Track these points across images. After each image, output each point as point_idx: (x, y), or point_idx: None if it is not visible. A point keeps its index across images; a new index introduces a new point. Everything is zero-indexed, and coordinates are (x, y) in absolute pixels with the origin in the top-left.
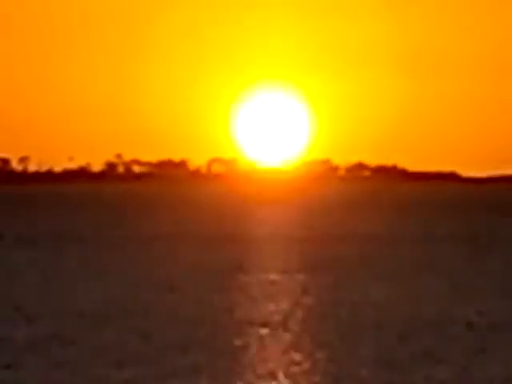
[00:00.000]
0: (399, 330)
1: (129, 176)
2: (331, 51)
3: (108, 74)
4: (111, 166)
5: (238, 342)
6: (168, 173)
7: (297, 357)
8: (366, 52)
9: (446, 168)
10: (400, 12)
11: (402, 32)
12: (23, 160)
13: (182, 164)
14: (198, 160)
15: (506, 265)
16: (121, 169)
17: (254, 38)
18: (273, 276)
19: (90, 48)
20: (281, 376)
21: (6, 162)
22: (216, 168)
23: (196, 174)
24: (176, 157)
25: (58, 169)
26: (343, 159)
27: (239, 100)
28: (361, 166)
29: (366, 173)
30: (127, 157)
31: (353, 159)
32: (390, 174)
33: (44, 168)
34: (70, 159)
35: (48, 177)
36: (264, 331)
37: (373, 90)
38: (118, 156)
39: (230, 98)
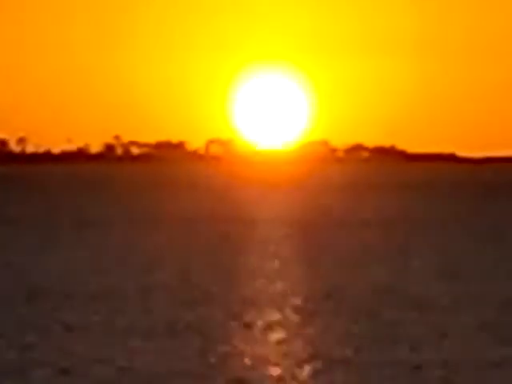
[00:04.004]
0: (389, 311)
1: (127, 157)
2: (331, 32)
3: (106, 56)
4: (109, 148)
5: (227, 327)
6: (166, 154)
7: (292, 339)
8: (366, 34)
9: (444, 149)
10: None
11: (403, 16)
12: (21, 141)
13: (180, 145)
14: (196, 141)
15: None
16: (119, 150)
17: (252, 18)
18: (269, 258)
19: (88, 30)
20: (276, 363)
21: (3, 142)
22: (214, 149)
23: (194, 156)
24: (174, 138)
25: (56, 150)
26: (342, 140)
27: (237, 81)
28: (359, 148)
29: (365, 154)
30: (125, 138)
31: (351, 140)
32: (389, 155)
33: (42, 149)
34: (69, 140)
35: (46, 158)
36: (255, 313)
37: (372, 72)
38: (117, 137)
39: (229, 78)
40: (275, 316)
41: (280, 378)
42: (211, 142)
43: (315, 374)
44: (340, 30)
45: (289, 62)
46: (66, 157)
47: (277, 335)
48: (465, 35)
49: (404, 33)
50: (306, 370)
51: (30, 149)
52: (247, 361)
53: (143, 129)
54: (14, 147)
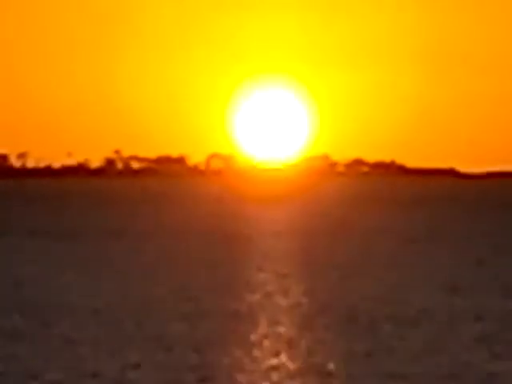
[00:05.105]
0: (387, 324)
1: (127, 172)
2: (331, 46)
3: (107, 70)
4: (110, 162)
5: (223, 341)
6: (167, 169)
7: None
8: (366, 49)
9: (444, 164)
10: (400, 10)
11: (403, 32)
12: (22, 156)
13: (180, 160)
14: (196, 156)
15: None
16: (119, 165)
17: (252, 32)
18: (268, 272)
19: (90, 44)
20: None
21: (4, 157)
22: (215, 164)
23: (195, 170)
24: (175, 153)
25: (56, 165)
26: (342, 155)
27: (238, 95)
28: (360, 162)
29: (365, 169)
30: (126, 153)
31: (352, 155)
32: (389, 169)
33: (43, 164)
34: (69, 155)
35: (47, 173)
36: (251, 327)
37: (372, 87)
38: (117, 152)
39: (229, 92)
40: (271, 330)
41: None
42: (212, 156)
43: None
44: (341, 44)
45: (289, 77)
46: (67, 171)
47: (272, 349)
48: (466, 49)
49: (404, 48)
50: (299, 383)
51: (30, 163)
52: (242, 374)
53: (144, 143)
54: (15, 162)
